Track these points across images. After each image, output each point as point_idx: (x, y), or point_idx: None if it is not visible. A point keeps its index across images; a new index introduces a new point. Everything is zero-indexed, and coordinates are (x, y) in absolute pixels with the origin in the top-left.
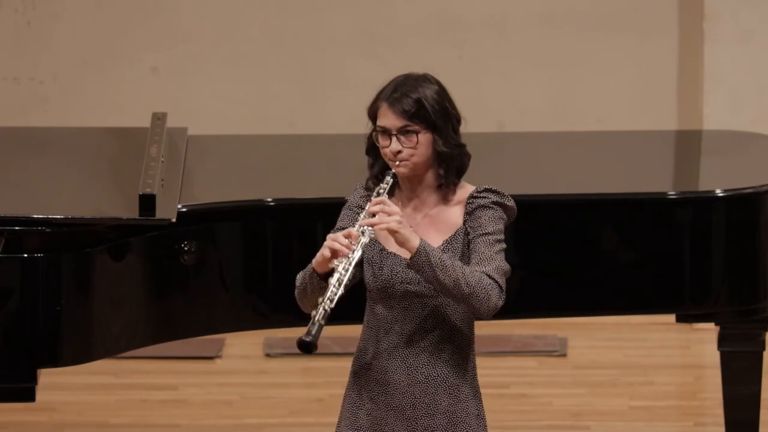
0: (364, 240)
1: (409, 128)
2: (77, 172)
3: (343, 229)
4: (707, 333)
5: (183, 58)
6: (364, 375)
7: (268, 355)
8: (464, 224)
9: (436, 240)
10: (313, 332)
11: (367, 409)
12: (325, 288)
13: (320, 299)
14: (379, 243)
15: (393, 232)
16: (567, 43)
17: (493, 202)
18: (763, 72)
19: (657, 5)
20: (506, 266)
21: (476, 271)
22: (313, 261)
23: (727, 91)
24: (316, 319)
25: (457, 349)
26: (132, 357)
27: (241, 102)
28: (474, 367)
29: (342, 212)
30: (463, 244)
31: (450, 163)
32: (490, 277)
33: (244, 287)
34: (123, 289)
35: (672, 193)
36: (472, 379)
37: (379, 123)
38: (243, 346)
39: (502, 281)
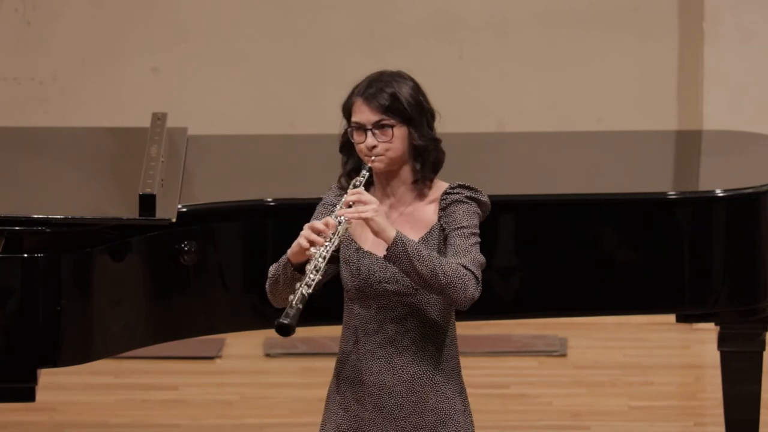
0: (341, 229)
1: (384, 122)
2: (77, 172)
3: None
4: (707, 333)
5: (183, 58)
6: (347, 376)
7: (268, 355)
8: (439, 221)
9: (411, 237)
10: (291, 314)
11: (352, 411)
12: (299, 279)
13: (297, 285)
14: (355, 242)
15: (369, 220)
16: (567, 43)
17: (467, 197)
18: (763, 72)
19: (657, 5)
20: (482, 258)
21: (452, 262)
22: (288, 251)
23: (727, 91)
24: (294, 303)
25: (439, 345)
26: (132, 357)
27: (241, 102)
28: (458, 364)
29: (316, 209)
30: (439, 240)
31: (426, 158)
32: (466, 268)
33: (244, 287)
34: (123, 289)
35: (672, 193)
36: (457, 376)
37: (354, 119)
38: (243, 346)
39: (478, 272)
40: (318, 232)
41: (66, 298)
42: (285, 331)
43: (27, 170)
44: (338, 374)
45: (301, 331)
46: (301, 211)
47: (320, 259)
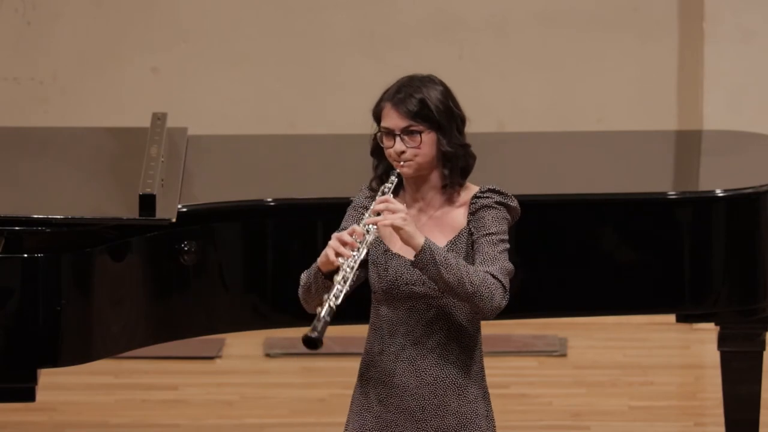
0: (370, 238)
1: (412, 128)
2: (77, 172)
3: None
4: (707, 333)
5: (183, 58)
6: (372, 377)
7: (268, 355)
8: (468, 225)
9: (440, 241)
10: (319, 328)
11: (375, 412)
12: (330, 286)
13: (325, 296)
14: (384, 244)
15: (398, 229)
16: (567, 43)
17: (497, 202)
18: (763, 72)
19: (657, 5)
20: (510, 266)
21: (480, 270)
22: (318, 260)
23: (727, 91)
24: (322, 315)
25: (464, 349)
26: (132, 357)
27: (241, 102)
28: (482, 368)
29: (347, 212)
30: (467, 244)
31: (455, 163)
32: (494, 276)
33: (244, 287)
34: (123, 289)
35: (672, 193)
36: (481, 380)
37: (383, 124)
38: (243, 346)
39: (505, 281)
40: (344, 244)
41: (66, 298)
42: (313, 344)
43: (27, 170)
44: (362, 375)
45: (300, 331)
46: (301, 211)
47: (348, 269)
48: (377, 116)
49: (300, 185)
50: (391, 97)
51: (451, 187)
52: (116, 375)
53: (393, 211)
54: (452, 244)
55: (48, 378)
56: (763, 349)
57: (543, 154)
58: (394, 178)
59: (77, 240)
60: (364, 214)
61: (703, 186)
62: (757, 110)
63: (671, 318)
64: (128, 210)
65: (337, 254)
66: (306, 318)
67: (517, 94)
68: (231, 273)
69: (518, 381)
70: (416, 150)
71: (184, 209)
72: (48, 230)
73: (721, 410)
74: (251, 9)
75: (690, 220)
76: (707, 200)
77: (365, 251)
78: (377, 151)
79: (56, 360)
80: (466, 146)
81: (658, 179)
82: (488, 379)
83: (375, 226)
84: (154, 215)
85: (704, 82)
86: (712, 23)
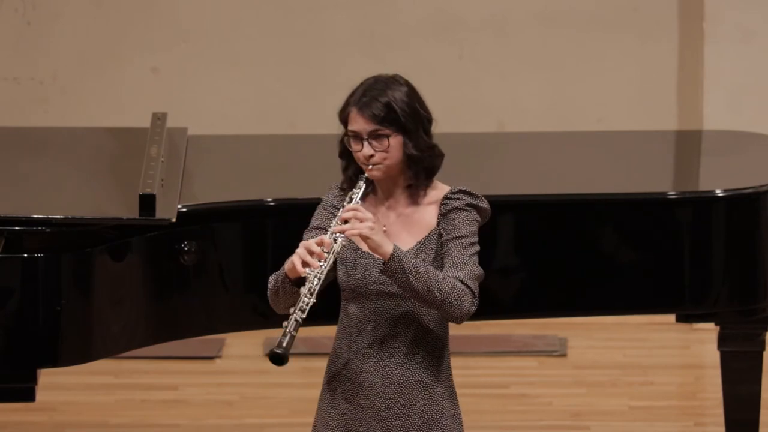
0: (336, 248)
1: (379, 132)
2: (77, 172)
3: (318, 228)
4: (707, 333)
5: (183, 58)
6: (339, 375)
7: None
8: (438, 226)
9: (409, 241)
10: (284, 344)
11: (342, 409)
12: (297, 295)
13: (291, 309)
14: (353, 243)
15: (365, 238)
16: (567, 43)
17: (468, 204)
18: (763, 72)
19: (657, 5)
20: (479, 271)
21: (449, 276)
22: (285, 266)
23: (727, 91)
24: (288, 330)
25: (431, 349)
26: (132, 357)
27: (241, 102)
28: (449, 368)
29: (316, 211)
30: (437, 245)
31: (419, 166)
32: (463, 282)
33: (244, 287)
34: (123, 289)
35: (672, 193)
36: (447, 379)
37: (350, 128)
38: (243, 346)
39: (474, 286)
40: (312, 253)
41: (66, 298)
42: (279, 360)
43: (27, 170)
44: (330, 372)
45: (301, 331)
46: (301, 211)
47: (315, 281)
48: (344, 119)
49: (300, 185)
50: (357, 101)
51: (417, 187)
52: (116, 375)
53: (361, 220)
54: (421, 245)
55: (48, 378)
56: (763, 349)
57: (543, 154)
58: (361, 183)
59: (77, 240)
60: (333, 213)
61: (703, 186)
62: (757, 110)
63: (671, 318)
64: (128, 210)
65: (304, 264)
66: (307, 318)
67: (517, 94)
68: (231, 273)
69: (518, 381)
70: (384, 154)
71: (184, 209)
72: (48, 230)
73: (721, 410)
74: (251, 9)
75: (690, 220)
76: (707, 200)
77: (333, 260)
78: (345, 153)
79: (56, 360)
80: (433, 147)
81: (658, 179)
82: (488, 379)
83: (343, 235)
84: (154, 215)
85: (704, 82)
86: (712, 23)
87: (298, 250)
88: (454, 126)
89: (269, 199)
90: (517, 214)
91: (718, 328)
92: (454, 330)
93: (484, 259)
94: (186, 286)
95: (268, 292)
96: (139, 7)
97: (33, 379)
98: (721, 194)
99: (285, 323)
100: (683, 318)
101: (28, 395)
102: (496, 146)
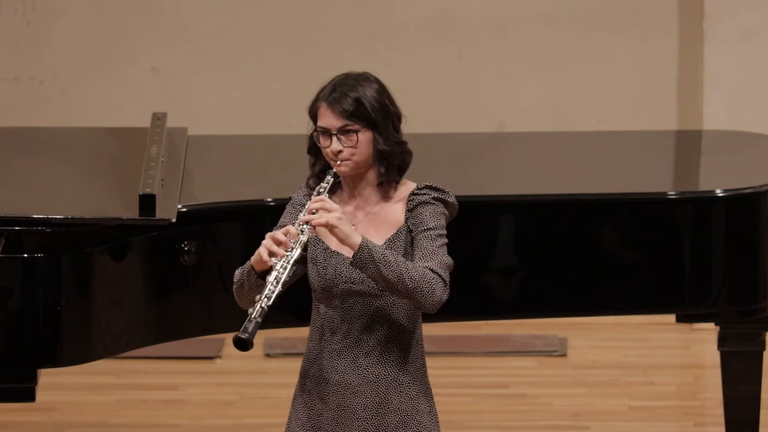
0: (303, 238)
1: (348, 128)
2: (77, 172)
3: (285, 226)
4: (707, 333)
5: (183, 58)
6: (313, 375)
7: (267, 355)
8: (406, 222)
9: (377, 239)
10: (249, 329)
11: (317, 410)
12: (263, 286)
13: (257, 297)
14: (323, 242)
15: (332, 228)
16: (567, 43)
17: (434, 198)
18: (763, 72)
19: (657, 5)
20: (449, 260)
21: (419, 266)
22: (252, 259)
23: (727, 91)
24: (253, 316)
25: (404, 347)
26: (132, 357)
27: (241, 102)
28: (423, 365)
29: (285, 209)
30: (406, 242)
31: (391, 161)
32: (433, 271)
33: None
34: (123, 289)
35: (672, 193)
36: (422, 377)
37: (319, 123)
38: None
39: (445, 275)
40: (279, 243)
41: (66, 298)
42: (243, 346)
43: (27, 170)
44: (304, 373)
45: (300, 331)
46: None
47: (281, 270)
48: (313, 115)
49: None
50: (326, 97)
51: (387, 184)
52: (116, 375)
53: (328, 210)
54: (390, 242)
55: (48, 378)
56: (763, 349)
57: (543, 154)
58: (330, 178)
59: (77, 240)
60: (301, 212)
61: (703, 186)
62: (757, 110)
63: (671, 318)
64: (128, 210)
65: (271, 254)
66: (305, 318)
67: (517, 94)
68: (231, 273)
69: (518, 381)
70: (353, 149)
71: (184, 209)
72: (48, 230)
73: (721, 410)
74: (251, 9)
75: (690, 220)
76: (707, 200)
77: (298, 251)
78: (314, 149)
79: (56, 360)
80: (403, 143)
81: (658, 179)
82: (488, 379)
83: (309, 226)
84: (154, 215)
85: (704, 82)
86: (712, 23)
87: (264, 241)
88: (454, 126)
89: (269, 199)
90: (517, 214)
91: (718, 328)
92: (454, 330)
93: (484, 258)
94: (186, 286)
95: (234, 286)
96: (139, 7)
97: (33, 379)
98: (720, 194)
99: (250, 310)
100: (683, 318)
101: (28, 395)
102: (496, 146)
